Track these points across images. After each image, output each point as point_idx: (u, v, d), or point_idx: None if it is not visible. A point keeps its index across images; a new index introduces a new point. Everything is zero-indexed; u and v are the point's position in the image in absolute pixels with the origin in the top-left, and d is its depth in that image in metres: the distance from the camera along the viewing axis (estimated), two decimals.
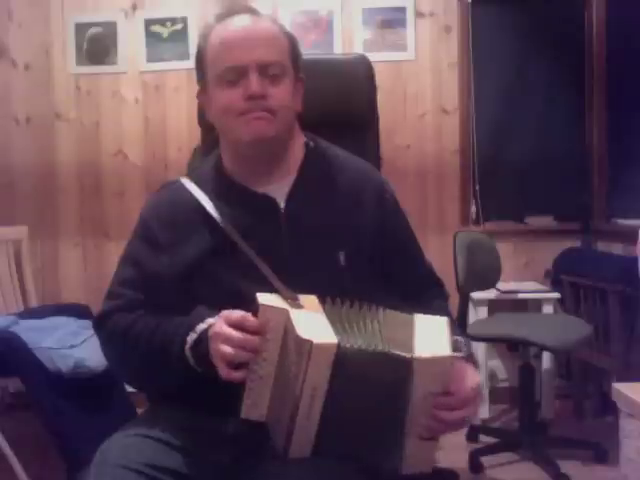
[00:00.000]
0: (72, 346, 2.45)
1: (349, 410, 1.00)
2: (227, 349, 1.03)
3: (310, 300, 1.08)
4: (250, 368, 1.03)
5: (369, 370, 0.99)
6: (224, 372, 1.04)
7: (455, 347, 1.10)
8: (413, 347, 1.01)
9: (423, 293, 1.32)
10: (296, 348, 0.98)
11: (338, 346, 0.97)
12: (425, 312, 1.15)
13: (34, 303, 3.22)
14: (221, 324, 1.06)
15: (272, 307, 1.03)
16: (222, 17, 1.25)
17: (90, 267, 3.55)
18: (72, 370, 2.37)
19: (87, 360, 2.39)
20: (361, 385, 1.00)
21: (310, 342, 0.96)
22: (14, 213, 3.52)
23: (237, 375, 1.03)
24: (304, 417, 0.98)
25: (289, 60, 1.24)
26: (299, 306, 1.05)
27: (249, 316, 1.03)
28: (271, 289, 1.10)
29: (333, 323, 1.02)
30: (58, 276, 3.57)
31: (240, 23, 1.23)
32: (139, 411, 1.35)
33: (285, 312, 1.02)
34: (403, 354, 0.99)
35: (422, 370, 0.99)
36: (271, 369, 1.02)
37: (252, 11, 1.25)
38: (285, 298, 1.06)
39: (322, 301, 1.08)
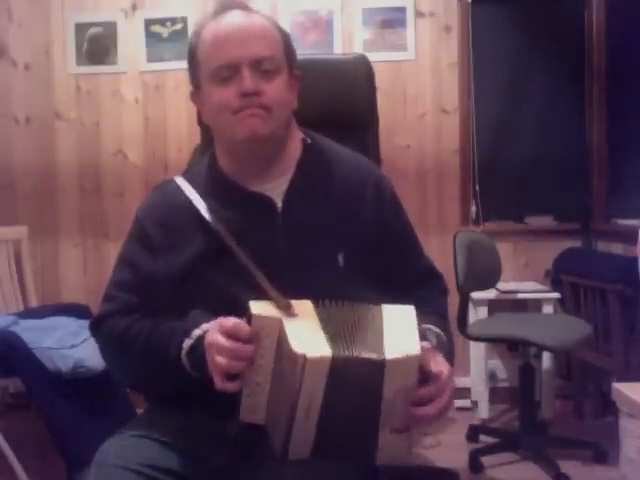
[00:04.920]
0: (72, 346, 2.45)
1: (342, 413, 1.00)
2: (221, 360, 1.02)
3: (304, 306, 1.05)
4: (246, 375, 1.02)
5: (353, 374, 0.99)
6: (218, 383, 1.03)
7: (423, 336, 1.09)
8: (383, 347, 1.00)
9: (422, 287, 1.31)
10: (290, 360, 0.97)
11: (333, 358, 0.96)
12: (423, 306, 1.14)
13: (34, 303, 3.23)
14: (215, 333, 1.04)
15: (265, 317, 1.01)
16: (214, 14, 1.22)
17: (90, 267, 3.55)
18: (72, 370, 2.37)
19: (87, 360, 2.39)
20: (351, 388, 0.99)
21: (304, 356, 0.94)
22: (14, 213, 3.52)
23: (231, 386, 1.02)
24: (302, 422, 0.98)
25: (283, 55, 1.22)
26: (292, 314, 1.03)
27: (242, 324, 1.02)
28: (265, 295, 1.08)
29: (327, 331, 1.01)
30: (58, 276, 3.56)
31: (232, 19, 1.21)
32: (139, 411, 1.35)
33: (278, 322, 1.00)
34: (374, 356, 0.99)
35: (393, 369, 0.99)
36: (267, 376, 1.01)
37: (244, 7, 1.24)
38: (278, 306, 1.04)
39: (316, 305, 1.06)
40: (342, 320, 1.03)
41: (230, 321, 1.04)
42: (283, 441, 0.99)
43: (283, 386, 0.99)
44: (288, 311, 1.03)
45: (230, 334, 1.02)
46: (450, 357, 1.15)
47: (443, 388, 1.05)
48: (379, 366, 0.98)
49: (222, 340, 1.02)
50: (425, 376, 1.04)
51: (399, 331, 1.04)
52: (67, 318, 2.74)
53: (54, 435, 2.28)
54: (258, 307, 1.03)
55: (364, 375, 0.99)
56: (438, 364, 1.07)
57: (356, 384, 0.99)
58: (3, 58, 3.54)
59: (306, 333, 0.99)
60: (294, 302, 1.05)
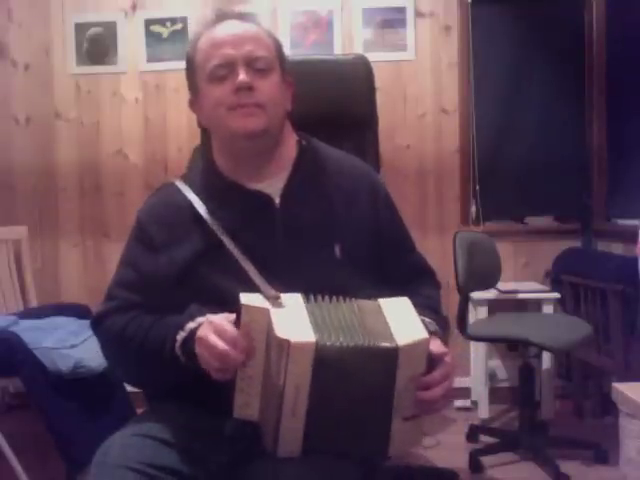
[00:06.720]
0: (72, 346, 2.45)
1: (336, 406, 1.01)
2: (214, 362, 1.05)
3: (293, 298, 1.09)
4: (239, 369, 1.04)
5: (353, 365, 1.00)
6: (215, 376, 1.07)
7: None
8: (393, 335, 1.03)
9: (414, 282, 1.35)
10: (277, 347, 0.99)
11: (317, 344, 0.98)
12: (414, 298, 1.16)
13: (34, 303, 3.22)
14: (208, 331, 1.07)
15: (253, 307, 1.04)
16: (210, 24, 1.29)
17: (90, 267, 3.55)
18: (72, 370, 2.37)
19: (87, 360, 2.38)
20: (346, 380, 1.01)
21: (288, 341, 0.97)
22: (14, 213, 3.52)
23: (228, 376, 1.06)
24: (289, 415, 0.99)
25: (276, 59, 1.28)
26: (280, 305, 1.06)
27: (239, 336, 1.04)
28: (257, 288, 1.12)
29: (314, 320, 1.03)
30: (58, 276, 3.56)
31: (227, 26, 1.27)
32: (139, 411, 1.36)
33: (266, 311, 1.03)
34: (387, 345, 1.01)
35: (406, 356, 1.01)
36: (259, 369, 1.04)
37: (239, 16, 1.30)
38: (267, 297, 1.08)
39: (306, 299, 1.09)
40: (332, 312, 1.07)
41: (228, 329, 1.06)
42: (273, 438, 1.00)
43: (273, 380, 1.01)
44: (276, 302, 1.06)
45: (226, 340, 1.05)
46: (445, 343, 1.19)
47: (448, 371, 1.10)
48: (392, 354, 1.01)
49: (215, 341, 1.05)
50: (430, 360, 1.07)
51: (402, 320, 1.07)
52: (67, 318, 2.74)
53: (54, 435, 2.28)
54: (248, 298, 1.06)
55: (370, 365, 1.01)
56: (439, 347, 1.12)
57: (355, 374, 1.01)
58: (3, 58, 3.54)
59: (292, 322, 1.02)
60: (284, 295, 1.09)
